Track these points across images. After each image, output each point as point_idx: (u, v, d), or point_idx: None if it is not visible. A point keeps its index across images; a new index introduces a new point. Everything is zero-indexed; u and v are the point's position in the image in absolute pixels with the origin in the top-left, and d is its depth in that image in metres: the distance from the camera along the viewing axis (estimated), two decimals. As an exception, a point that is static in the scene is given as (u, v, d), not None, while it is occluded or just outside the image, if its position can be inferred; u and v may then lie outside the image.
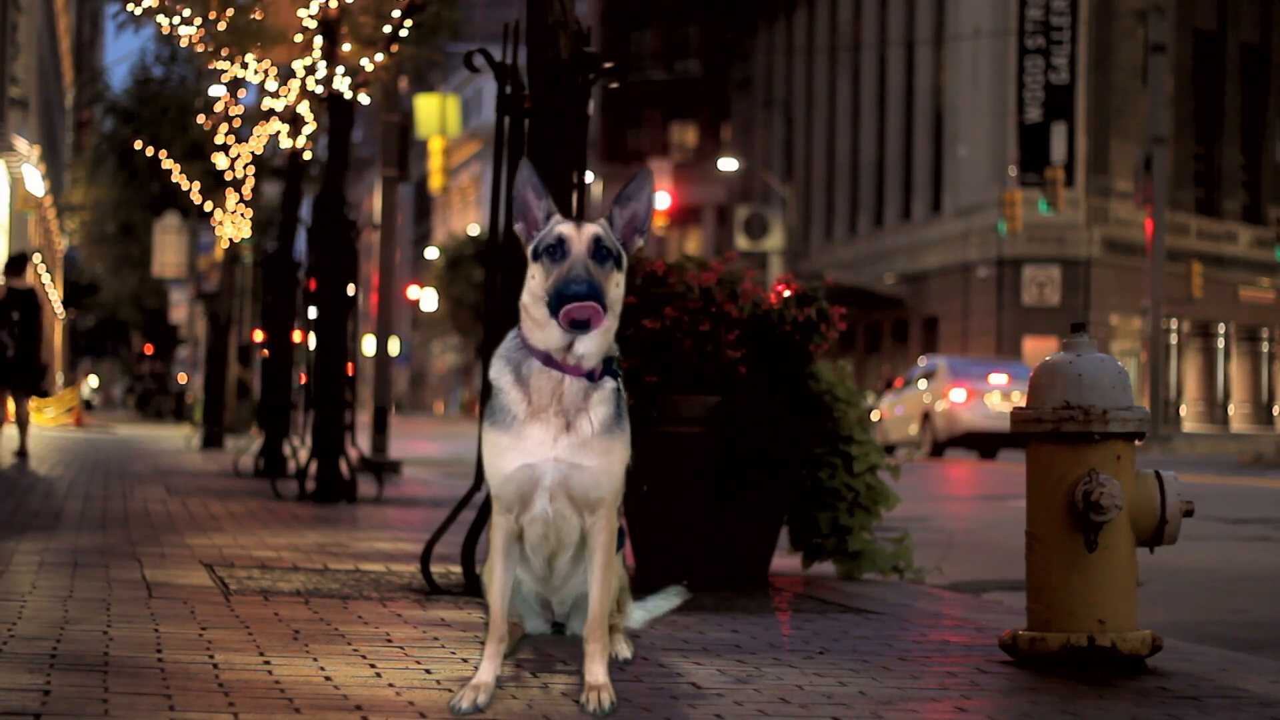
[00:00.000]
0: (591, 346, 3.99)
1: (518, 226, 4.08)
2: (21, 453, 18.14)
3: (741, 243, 59.07)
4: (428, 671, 4.74)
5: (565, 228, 3.98)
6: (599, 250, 3.96)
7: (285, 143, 16.19)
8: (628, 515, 7.17)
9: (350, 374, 12.70)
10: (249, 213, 23.78)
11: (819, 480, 7.58)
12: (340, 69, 13.20)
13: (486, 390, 4.66)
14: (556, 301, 3.87)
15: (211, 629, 5.48)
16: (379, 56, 13.39)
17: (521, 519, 4.16)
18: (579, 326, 3.89)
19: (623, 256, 4.02)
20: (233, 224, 24.04)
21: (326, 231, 12.81)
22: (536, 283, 3.98)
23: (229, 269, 26.66)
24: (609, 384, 4.06)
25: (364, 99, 13.83)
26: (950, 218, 52.27)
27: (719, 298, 7.29)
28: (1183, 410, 51.04)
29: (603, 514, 4.13)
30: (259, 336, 24.97)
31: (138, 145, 28.89)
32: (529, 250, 4.04)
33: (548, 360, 4.00)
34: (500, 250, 7.19)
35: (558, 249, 3.95)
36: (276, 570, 7.45)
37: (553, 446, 4.02)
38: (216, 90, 21.68)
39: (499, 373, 4.09)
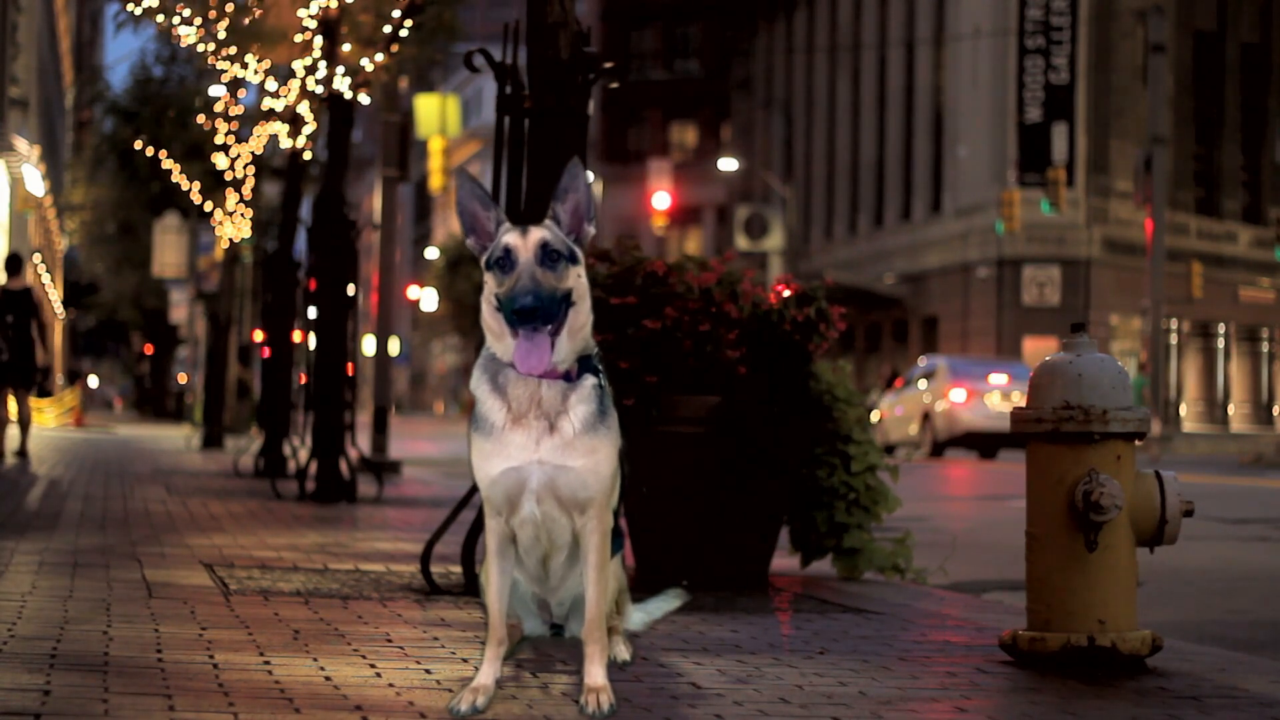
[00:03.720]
0: (562, 350, 3.95)
1: (469, 241, 4.03)
2: (22, 453, 18.14)
3: (741, 243, 59.06)
4: (428, 671, 4.74)
5: (511, 237, 3.96)
6: (547, 254, 3.93)
7: (285, 143, 16.20)
8: (628, 515, 7.17)
9: (350, 374, 12.70)
10: (249, 213, 23.78)
11: (818, 479, 7.58)
12: (340, 69, 13.20)
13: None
14: (509, 313, 3.88)
15: (211, 629, 5.48)
16: (379, 56, 13.39)
17: (511, 522, 4.14)
18: (529, 337, 3.88)
19: (576, 251, 3.98)
20: (233, 224, 24.04)
21: (326, 231, 12.81)
22: (490, 291, 3.99)
23: (229, 269, 26.67)
24: (588, 381, 4.01)
25: (364, 99, 13.84)
26: (950, 218, 52.26)
27: (719, 298, 7.29)
28: (1183, 410, 51.02)
29: (593, 514, 4.08)
30: (259, 336, 24.98)
31: (138, 145, 28.89)
32: (482, 262, 4.01)
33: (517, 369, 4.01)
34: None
35: (506, 260, 3.93)
36: (276, 570, 7.45)
37: (535, 449, 4.00)
38: (216, 90, 21.69)
39: (477, 382, 4.07)
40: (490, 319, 3.99)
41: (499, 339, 3.99)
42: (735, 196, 67.37)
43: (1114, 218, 49.21)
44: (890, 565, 7.70)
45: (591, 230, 4.04)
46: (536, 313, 3.82)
